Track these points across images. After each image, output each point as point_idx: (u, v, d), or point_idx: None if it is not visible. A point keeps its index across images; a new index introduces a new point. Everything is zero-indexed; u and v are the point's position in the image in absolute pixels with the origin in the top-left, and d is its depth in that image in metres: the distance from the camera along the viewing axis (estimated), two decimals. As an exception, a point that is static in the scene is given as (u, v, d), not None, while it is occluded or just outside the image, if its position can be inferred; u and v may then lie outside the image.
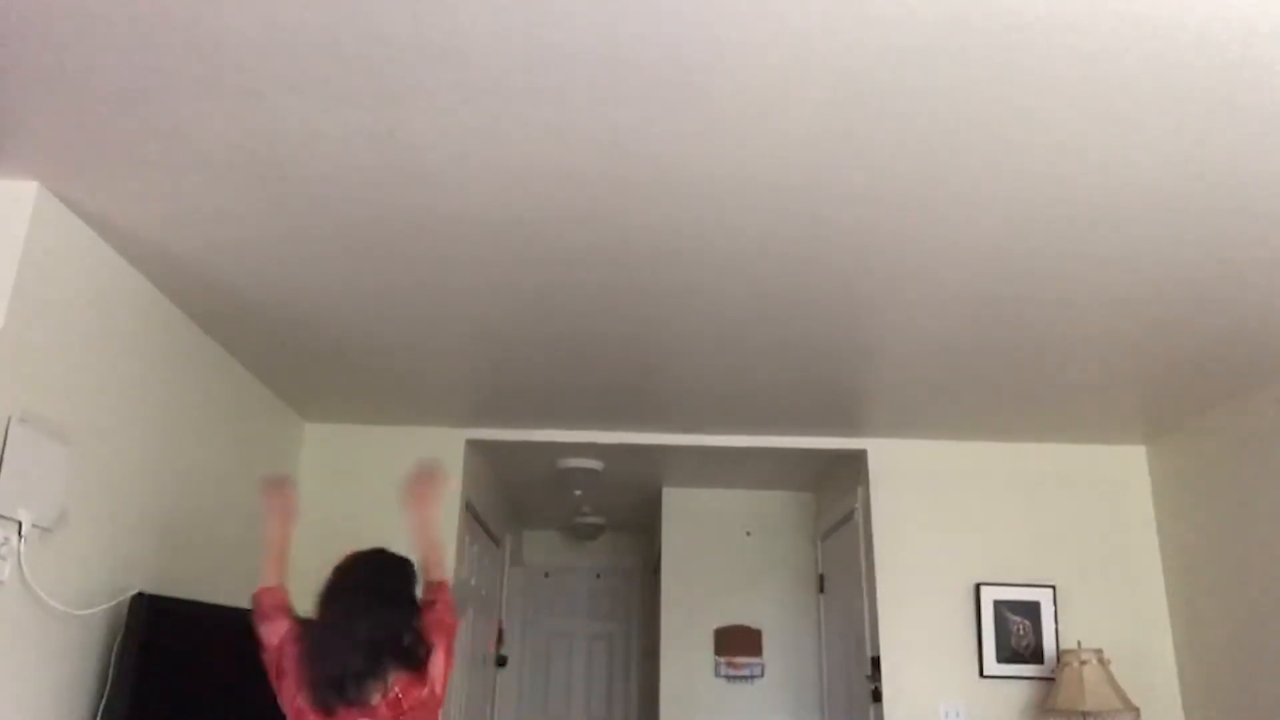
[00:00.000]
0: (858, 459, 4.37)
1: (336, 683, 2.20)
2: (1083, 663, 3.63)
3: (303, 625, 2.34)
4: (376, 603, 2.29)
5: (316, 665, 2.23)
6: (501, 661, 5.77)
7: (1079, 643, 3.79)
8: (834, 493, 4.91)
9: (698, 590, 5.21)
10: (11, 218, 2.27)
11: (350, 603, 2.28)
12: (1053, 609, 4.03)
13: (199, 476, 3.25)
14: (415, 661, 2.27)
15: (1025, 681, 3.96)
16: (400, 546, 2.49)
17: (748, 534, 5.35)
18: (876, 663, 4.05)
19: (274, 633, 2.35)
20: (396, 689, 2.22)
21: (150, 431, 2.91)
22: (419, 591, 2.43)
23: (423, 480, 2.66)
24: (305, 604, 2.37)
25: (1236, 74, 1.81)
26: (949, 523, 4.17)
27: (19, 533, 2.26)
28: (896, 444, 4.29)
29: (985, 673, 3.97)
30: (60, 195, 2.36)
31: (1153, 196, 2.24)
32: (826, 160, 2.13)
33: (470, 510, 4.48)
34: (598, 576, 6.80)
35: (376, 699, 2.21)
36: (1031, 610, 4.03)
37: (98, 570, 2.64)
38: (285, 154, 2.15)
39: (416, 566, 2.46)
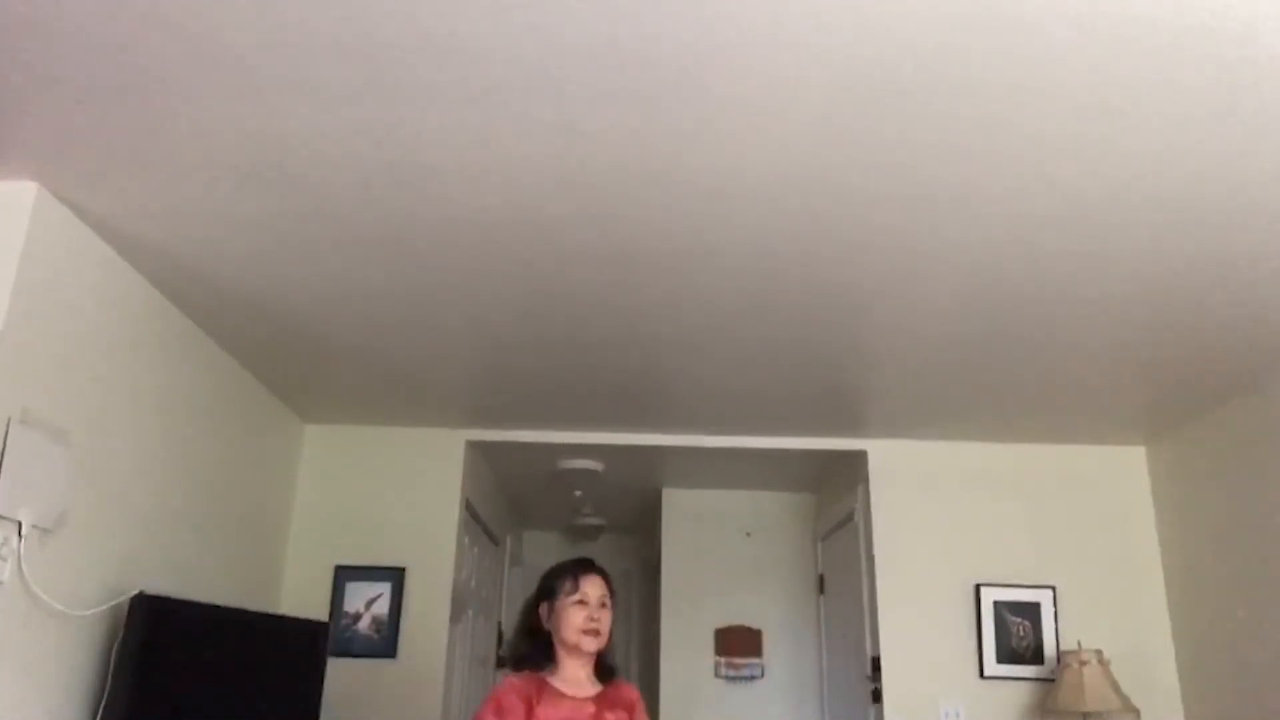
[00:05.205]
0: (858, 459, 4.37)
1: None
2: (1083, 663, 3.63)
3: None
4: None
5: None
6: (501, 662, 5.77)
7: (1079, 643, 3.78)
8: (834, 493, 4.91)
9: (698, 591, 5.21)
10: (11, 218, 2.27)
11: None
12: (1053, 609, 4.02)
13: (199, 477, 3.24)
14: None
15: (1025, 682, 3.95)
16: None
17: (748, 534, 5.35)
18: (876, 663, 4.05)
19: None
20: None
21: (150, 432, 2.91)
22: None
23: None
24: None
25: (1236, 74, 1.81)
26: (949, 523, 4.17)
27: (19, 533, 2.26)
28: (896, 444, 4.28)
29: (985, 673, 3.97)
30: (60, 196, 2.36)
31: (1153, 196, 2.24)
32: (826, 160, 2.13)
33: (470, 510, 4.48)
34: (598, 577, 6.78)
35: None
36: (1031, 611, 4.03)
37: (98, 570, 2.64)
38: (285, 154, 2.15)
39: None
